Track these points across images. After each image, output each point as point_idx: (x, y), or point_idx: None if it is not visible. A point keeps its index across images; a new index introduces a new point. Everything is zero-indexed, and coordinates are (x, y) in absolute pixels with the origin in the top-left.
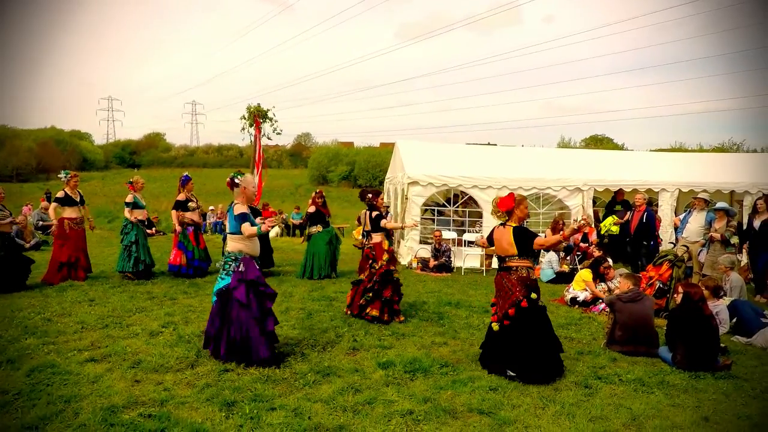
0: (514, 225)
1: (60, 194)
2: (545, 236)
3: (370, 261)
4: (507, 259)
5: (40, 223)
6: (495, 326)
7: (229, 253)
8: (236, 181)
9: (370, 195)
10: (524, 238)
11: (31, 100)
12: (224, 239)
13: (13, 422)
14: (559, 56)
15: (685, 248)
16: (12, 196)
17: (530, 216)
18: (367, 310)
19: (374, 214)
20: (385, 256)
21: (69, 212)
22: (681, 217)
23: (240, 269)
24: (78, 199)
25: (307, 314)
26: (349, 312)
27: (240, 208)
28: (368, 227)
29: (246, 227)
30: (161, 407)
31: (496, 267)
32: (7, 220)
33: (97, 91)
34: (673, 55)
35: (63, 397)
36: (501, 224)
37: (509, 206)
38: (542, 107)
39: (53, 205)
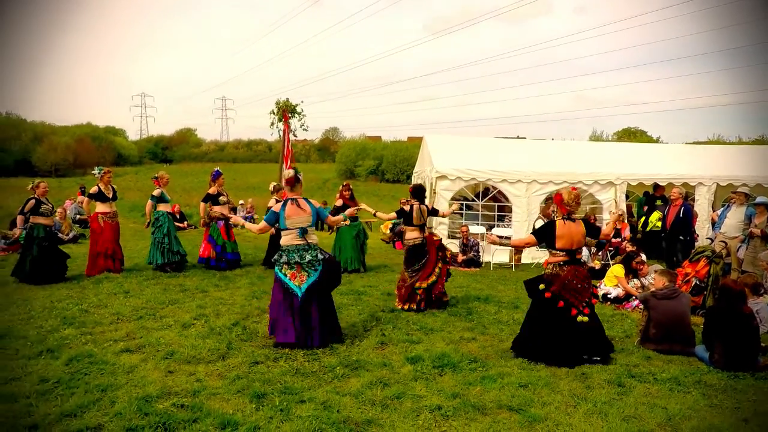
0: (581, 217)
1: (93, 190)
2: None
3: (440, 254)
4: (577, 251)
5: (78, 216)
6: (585, 318)
7: (316, 245)
8: (299, 177)
9: (424, 190)
10: (595, 229)
11: (67, 96)
12: (303, 233)
13: (53, 409)
14: (590, 47)
15: (724, 244)
16: (51, 190)
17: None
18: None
19: (431, 207)
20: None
21: (102, 207)
22: (719, 212)
23: (326, 257)
24: (111, 195)
25: (335, 307)
26: (420, 306)
27: (317, 202)
28: (423, 221)
29: (332, 218)
30: (193, 398)
31: (525, 262)
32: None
33: (130, 87)
34: (710, 44)
35: (100, 386)
36: (565, 218)
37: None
38: (573, 99)
39: (86, 199)
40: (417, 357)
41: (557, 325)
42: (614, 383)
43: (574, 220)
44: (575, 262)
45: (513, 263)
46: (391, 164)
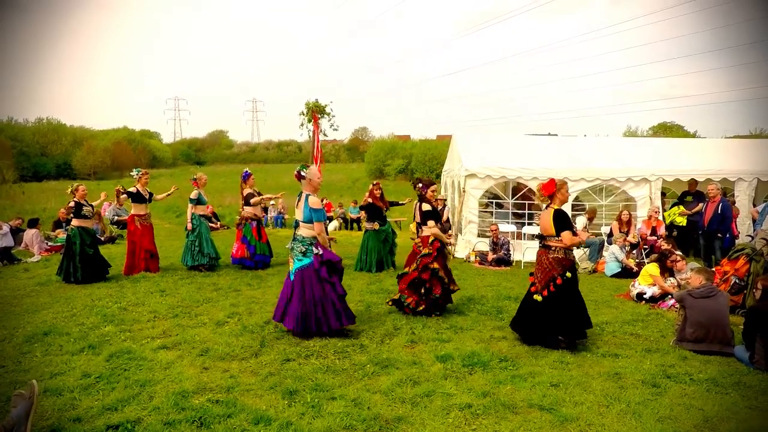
0: (555, 207)
1: (132, 190)
2: (611, 229)
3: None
4: (547, 238)
5: (116, 218)
6: (538, 297)
7: (304, 238)
8: (302, 173)
9: (420, 185)
10: (560, 222)
11: (104, 100)
12: (296, 226)
13: (95, 403)
14: (625, 41)
15: (765, 241)
16: (90, 193)
17: (595, 210)
18: (407, 301)
19: (424, 206)
20: (426, 250)
21: (138, 209)
22: (760, 208)
23: (319, 252)
24: (147, 197)
25: (365, 307)
26: (390, 303)
27: (316, 202)
28: (419, 219)
29: (319, 225)
30: (228, 394)
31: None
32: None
33: (165, 91)
34: (752, 34)
35: (139, 381)
36: (546, 207)
37: (551, 191)
38: (608, 94)
39: (124, 196)
40: (447, 355)
41: (524, 298)
42: (649, 383)
43: (547, 209)
44: (544, 246)
45: None
46: (420, 163)
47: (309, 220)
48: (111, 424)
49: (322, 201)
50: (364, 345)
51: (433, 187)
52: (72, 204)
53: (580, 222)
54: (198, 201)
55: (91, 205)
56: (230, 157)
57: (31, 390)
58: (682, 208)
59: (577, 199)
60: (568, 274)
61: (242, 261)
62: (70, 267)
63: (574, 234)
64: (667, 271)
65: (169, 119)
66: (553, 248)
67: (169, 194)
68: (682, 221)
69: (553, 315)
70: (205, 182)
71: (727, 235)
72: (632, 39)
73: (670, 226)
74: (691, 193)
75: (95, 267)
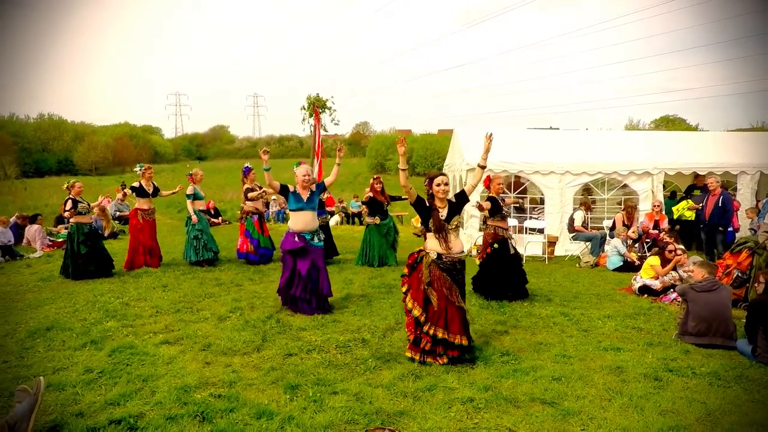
0: (490, 194)
1: (136, 184)
2: (613, 223)
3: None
4: (487, 218)
5: (117, 213)
6: (477, 260)
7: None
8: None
9: (426, 182)
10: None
11: (106, 96)
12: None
13: (98, 398)
14: (625, 33)
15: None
16: (92, 188)
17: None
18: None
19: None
20: (426, 278)
21: (141, 203)
22: (763, 201)
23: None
24: (151, 191)
25: (367, 301)
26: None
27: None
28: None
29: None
30: (230, 388)
31: (558, 254)
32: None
33: (165, 87)
34: (755, 27)
35: (141, 376)
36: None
37: (486, 184)
38: (609, 88)
39: (128, 191)
40: None
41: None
42: (651, 377)
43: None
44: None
45: (546, 256)
46: (421, 157)
47: (291, 209)
48: (113, 419)
49: (321, 195)
50: (365, 339)
51: (437, 180)
52: (69, 202)
53: (579, 217)
54: (194, 196)
55: (87, 203)
56: (231, 152)
57: (37, 386)
58: (690, 202)
59: (584, 193)
60: (496, 245)
61: (247, 255)
62: (68, 264)
63: (498, 213)
64: (667, 262)
65: (170, 114)
66: (488, 226)
67: (174, 192)
68: (690, 215)
69: (487, 274)
70: (201, 178)
71: (730, 229)
72: (631, 32)
73: (678, 221)
74: (698, 187)
75: (95, 264)
